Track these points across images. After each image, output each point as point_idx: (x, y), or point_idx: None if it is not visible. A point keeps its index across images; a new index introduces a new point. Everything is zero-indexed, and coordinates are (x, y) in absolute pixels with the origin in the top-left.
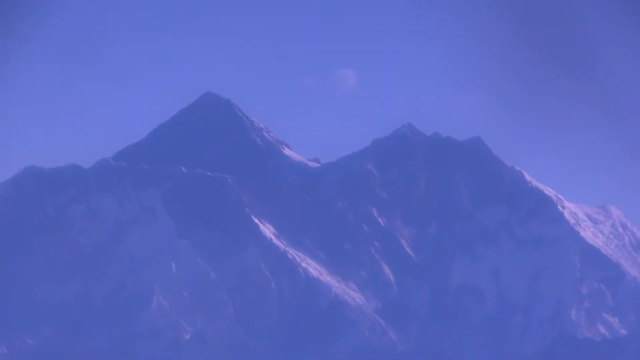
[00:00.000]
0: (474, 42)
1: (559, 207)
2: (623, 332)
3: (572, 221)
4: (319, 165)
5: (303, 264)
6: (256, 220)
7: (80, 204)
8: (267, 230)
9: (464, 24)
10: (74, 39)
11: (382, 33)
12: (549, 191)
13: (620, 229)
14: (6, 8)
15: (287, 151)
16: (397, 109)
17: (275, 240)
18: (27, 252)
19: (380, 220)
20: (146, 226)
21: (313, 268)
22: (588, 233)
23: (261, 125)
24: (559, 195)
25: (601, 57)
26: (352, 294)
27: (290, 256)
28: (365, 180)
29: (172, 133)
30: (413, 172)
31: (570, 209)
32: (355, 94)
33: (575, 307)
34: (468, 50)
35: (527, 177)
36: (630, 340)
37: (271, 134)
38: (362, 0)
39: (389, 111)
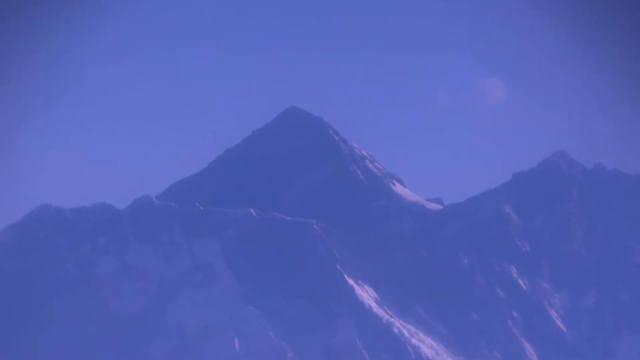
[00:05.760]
0: None
1: None
2: None
3: None
4: (440, 207)
5: (414, 341)
6: (351, 282)
7: (113, 258)
8: (366, 294)
9: None
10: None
11: (538, 37)
12: None
13: None
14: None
15: (398, 188)
16: (548, 132)
17: (376, 309)
18: (40, 322)
19: (521, 282)
20: (201, 288)
21: (428, 346)
22: None
23: (364, 153)
24: None
25: None
26: None
27: (396, 330)
28: (502, 229)
29: (239, 163)
30: (567, 218)
31: None
32: (495, 113)
33: None
34: None
35: None
36: None
37: (377, 165)
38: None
39: (538, 135)
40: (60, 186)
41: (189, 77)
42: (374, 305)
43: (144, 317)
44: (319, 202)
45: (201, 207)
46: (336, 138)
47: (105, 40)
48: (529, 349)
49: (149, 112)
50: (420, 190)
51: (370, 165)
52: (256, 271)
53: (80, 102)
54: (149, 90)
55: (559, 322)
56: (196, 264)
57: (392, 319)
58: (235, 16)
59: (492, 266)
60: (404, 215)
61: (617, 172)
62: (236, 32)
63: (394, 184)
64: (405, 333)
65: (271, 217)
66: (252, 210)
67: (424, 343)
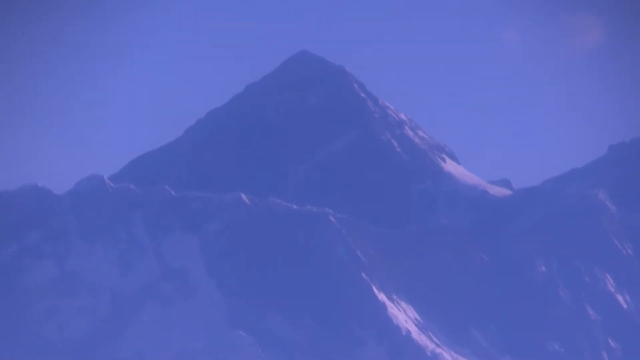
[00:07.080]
0: None
1: None
2: None
3: None
4: (508, 192)
5: None
6: (382, 296)
7: (48, 262)
8: (403, 314)
9: None
10: None
11: None
12: None
13: None
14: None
15: (449, 166)
16: None
17: (416, 334)
18: None
19: (620, 298)
20: (172, 304)
21: None
22: None
23: (402, 117)
24: None
25: None
26: None
27: None
28: (593, 223)
29: (227, 130)
30: None
31: None
32: (585, 63)
33: None
34: None
35: None
36: None
37: (421, 133)
38: None
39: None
40: None
41: (159, 13)
42: (413, 329)
43: (90, 344)
44: (337, 184)
45: (172, 192)
46: (363, 95)
47: None
48: None
49: (103, 60)
50: (480, 168)
51: (411, 133)
52: (248, 281)
53: (17, 48)
54: (106, 30)
55: None
56: (165, 270)
57: (439, 349)
58: None
59: (580, 275)
60: (457, 204)
61: None
62: None
63: (444, 160)
64: None
65: (270, 204)
66: (243, 196)
67: None
